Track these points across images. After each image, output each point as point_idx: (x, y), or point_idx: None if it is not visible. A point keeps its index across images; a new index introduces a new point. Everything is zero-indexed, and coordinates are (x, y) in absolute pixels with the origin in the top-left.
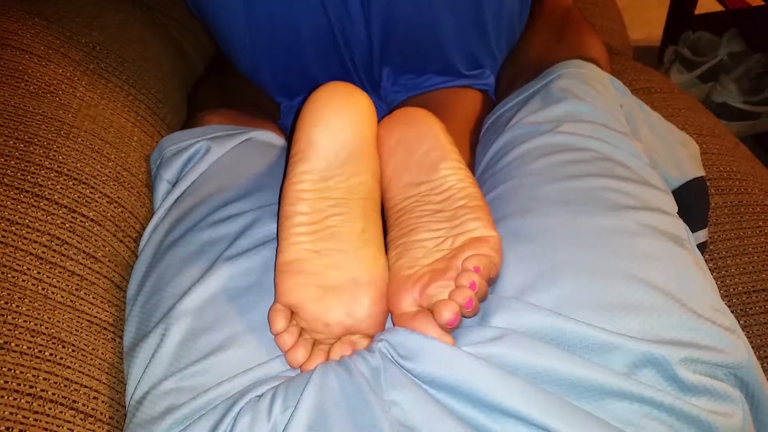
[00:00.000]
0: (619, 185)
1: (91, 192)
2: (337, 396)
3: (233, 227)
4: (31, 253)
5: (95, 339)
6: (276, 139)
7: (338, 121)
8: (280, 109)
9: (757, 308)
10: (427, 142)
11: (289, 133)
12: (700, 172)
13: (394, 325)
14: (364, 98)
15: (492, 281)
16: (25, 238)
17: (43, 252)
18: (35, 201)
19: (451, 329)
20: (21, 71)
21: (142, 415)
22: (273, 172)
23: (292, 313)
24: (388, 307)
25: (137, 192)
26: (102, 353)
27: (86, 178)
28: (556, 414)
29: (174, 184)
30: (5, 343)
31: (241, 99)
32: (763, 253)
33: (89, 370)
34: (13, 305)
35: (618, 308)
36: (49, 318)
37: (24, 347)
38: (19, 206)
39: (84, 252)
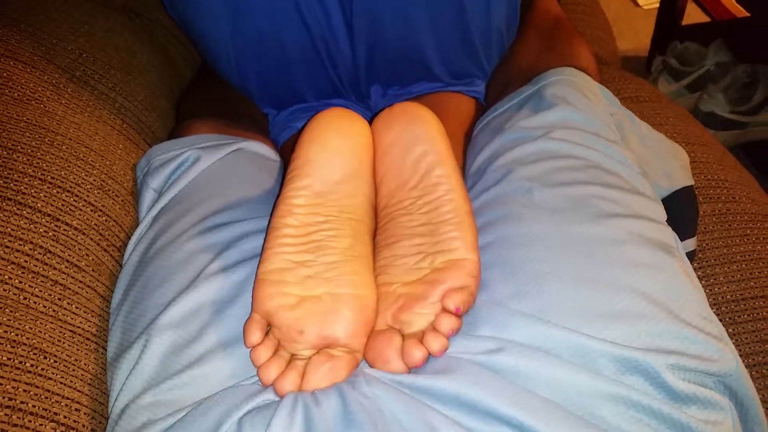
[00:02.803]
0: (609, 193)
1: (75, 200)
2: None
3: (221, 237)
4: (12, 262)
5: (78, 350)
6: (265, 150)
7: (336, 144)
8: (268, 120)
9: (745, 316)
10: (423, 144)
11: (290, 153)
12: (689, 182)
13: None
14: (363, 125)
15: (469, 309)
16: (7, 246)
17: (26, 261)
18: (18, 209)
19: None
20: (5, 77)
21: (120, 429)
22: (262, 183)
23: (269, 326)
24: (372, 317)
25: (122, 201)
26: (84, 364)
27: (70, 186)
28: (549, 420)
29: (161, 193)
30: None
31: (229, 108)
32: (751, 261)
33: (71, 381)
34: None
35: (605, 316)
36: (31, 328)
37: (4, 358)
38: (1, 214)
39: (67, 261)
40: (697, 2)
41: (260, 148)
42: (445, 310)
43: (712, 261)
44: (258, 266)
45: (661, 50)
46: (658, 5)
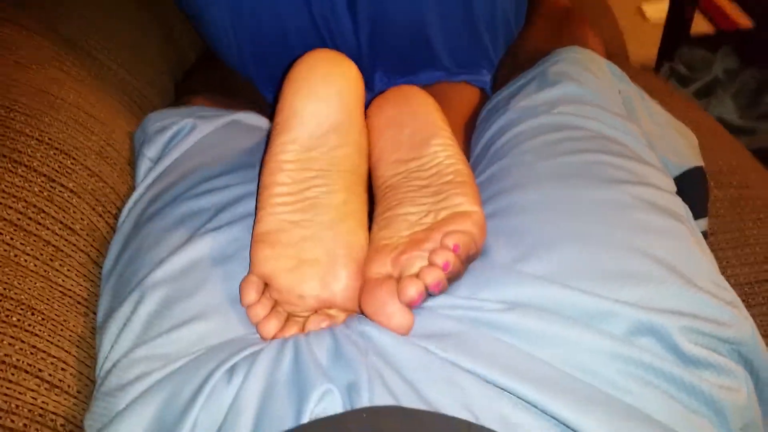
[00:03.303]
0: (615, 160)
1: (72, 163)
2: (287, 366)
3: (216, 199)
4: (4, 218)
5: (67, 311)
6: (263, 122)
7: (323, 90)
8: (265, 103)
9: (760, 299)
10: (418, 119)
11: (273, 103)
12: (699, 162)
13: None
14: (350, 66)
15: (471, 258)
16: (0, 202)
17: (18, 219)
18: (12, 167)
19: (413, 308)
20: (9, 43)
21: (110, 384)
22: (257, 151)
23: (266, 286)
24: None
25: (120, 169)
26: (73, 326)
27: (68, 149)
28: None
29: (156, 162)
30: None
31: (229, 89)
32: (765, 245)
33: (58, 340)
34: None
35: (615, 277)
36: (19, 284)
37: None
38: None
39: (61, 222)
40: (704, 13)
41: (256, 120)
42: (442, 246)
43: (725, 244)
44: (254, 226)
45: (669, 57)
46: (665, 18)
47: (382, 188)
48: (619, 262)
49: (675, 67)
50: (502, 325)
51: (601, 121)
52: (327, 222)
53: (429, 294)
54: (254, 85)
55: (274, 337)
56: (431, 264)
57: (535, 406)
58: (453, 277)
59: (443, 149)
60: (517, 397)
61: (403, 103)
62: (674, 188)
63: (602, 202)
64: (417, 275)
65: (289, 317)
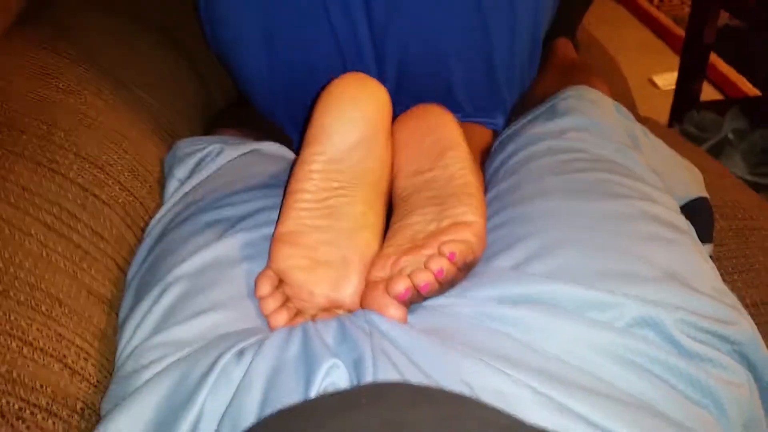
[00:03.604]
0: (620, 179)
1: (105, 176)
2: (295, 346)
3: (237, 211)
4: (39, 220)
5: (92, 307)
6: (287, 153)
7: (350, 108)
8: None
9: (767, 318)
10: (437, 133)
11: (304, 123)
12: (703, 193)
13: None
14: (378, 88)
15: (470, 266)
16: (36, 205)
17: (52, 221)
18: (50, 175)
19: (404, 303)
20: (53, 71)
21: (126, 368)
22: (281, 176)
23: (280, 282)
24: None
25: (149, 186)
26: (97, 322)
27: (102, 164)
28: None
29: (184, 182)
30: (3, 290)
31: (256, 125)
32: None
33: (82, 332)
34: (16, 260)
35: (615, 276)
36: (49, 278)
37: (21, 297)
38: (34, 176)
39: (91, 229)
40: (712, 82)
41: (284, 150)
42: (439, 253)
43: (730, 269)
44: (275, 227)
45: (679, 120)
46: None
47: (398, 199)
48: (620, 264)
49: (685, 128)
50: (503, 319)
51: (608, 147)
52: (345, 230)
53: (420, 295)
54: (280, 126)
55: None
56: (425, 268)
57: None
58: (448, 283)
59: (456, 161)
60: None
61: (425, 118)
62: (677, 207)
63: (605, 212)
64: (409, 275)
65: (299, 313)
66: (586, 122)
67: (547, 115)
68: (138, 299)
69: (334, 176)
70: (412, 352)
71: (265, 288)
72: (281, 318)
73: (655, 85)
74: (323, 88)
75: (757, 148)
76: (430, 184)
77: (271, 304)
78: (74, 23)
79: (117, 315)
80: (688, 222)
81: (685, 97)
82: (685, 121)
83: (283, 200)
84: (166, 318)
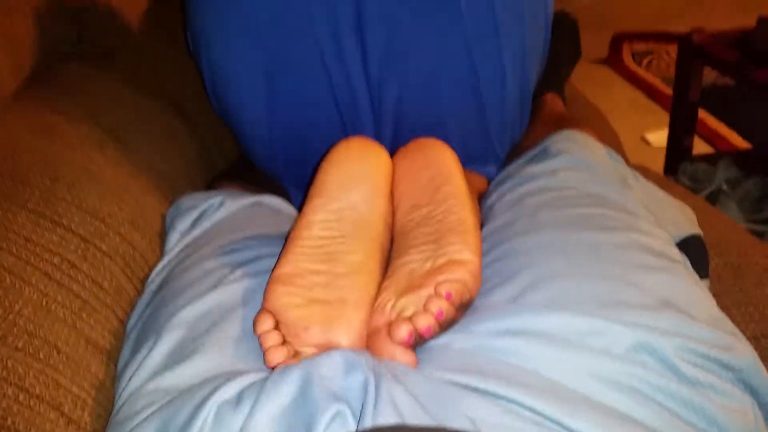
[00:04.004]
0: (613, 213)
1: (106, 228)
2: (295, 391)
3: (237, 257)
4: (40, 269)
5: (91, 357)
6: (286, 206)
7: (354, 167)
8: (291, 200)
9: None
10: (435, 167)
11: (309, 182)
12: (697, 231)
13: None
14: (380, 151)
15: (466, 306)
16: (38, 255)
17: (52, 271)
18: (52, 226)
19: (410, 348)
20: (58, 130)
21: (121, 415)
22: (281, 227)
23: (276, 324)
24: None
25: (150, 239)
26: (95, 371)
27: (103, 216)
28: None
29: (186, 233)
30: (1, 336)
31: (257, 181)
32: None
33: (80, 380)
34: (15, 307)
35: (610, 304)
36: (48, 326)
37: (19, 344)
38: (36, 228)
39: (91, 279)
40: (703, 137)
41: (284, 205)
42: (436, 294)
43: (728, 304)
44: (273, 270)
45: (672, 173)
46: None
47: (396, 234)
48: (615, 292)
49: (679, 179)
50: (504, 351)
51: (599, 185)
52: (342, 274)
53: (423, 338)
54: (280, 182)
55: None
56: (425, 310)
57: (539, 414)
58: (447, 324)
59: (452, 197)
60: (520, 406)
61: (423, 152)
62: (671, 240)
63: (598, 243)
64: (410, 318)
65: (296, 354)
66: (577, 162)
67: (539, 157)
68: (137, 347)
69: (336, 226)
70: (417, 393)
71: (266, 324)
72: (280, 353)
73: (647, 142)
74: (329, 148)
75: (752, 197)
76: (427, 219)
77: (270, 339)
78: (80, 86)
79: (115, 366)
80: (682, 254)
81: (677, 153)
82: (678, 173)
83: (282, 247)
84: (161, 364)
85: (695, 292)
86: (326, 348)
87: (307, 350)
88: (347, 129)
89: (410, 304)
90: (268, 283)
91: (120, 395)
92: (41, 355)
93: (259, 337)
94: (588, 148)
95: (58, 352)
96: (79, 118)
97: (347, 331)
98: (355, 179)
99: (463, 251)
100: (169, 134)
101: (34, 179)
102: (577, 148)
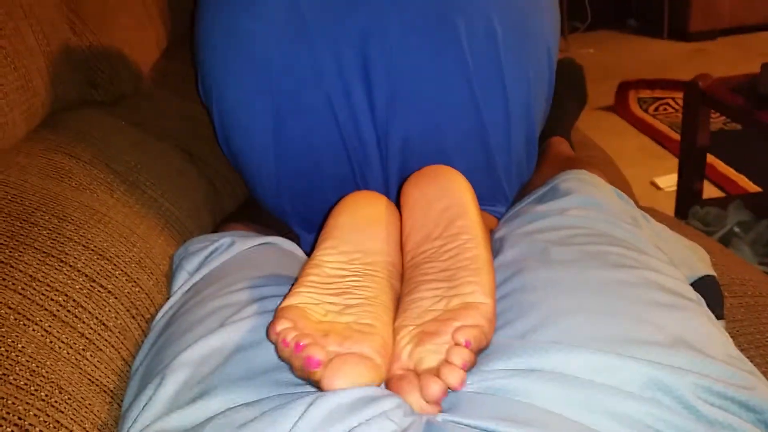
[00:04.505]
0: (625, 251)
1: (112, 268)
2: None
3: (244, 296)
4: (45, 308)
5: (93, 397)
6: (295, 248)
7: (363, 213)
8: (300, 242)
9: None
10: (448, 198)
11: (318, 225)
12: (710, 272)
13: None
14: (387, 202)
15: (482, 350)
16: (43, 294)
17: (57, 310)
18: (59, 266)
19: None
20: (67, 171)
21: None
22: (290, 269)
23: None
24: (391, 351)
25: (156, 279)
26: (98, 411)
27: (110, 256)
28: None
29: (194, 273)
30: (3, 375)
31: (265, 223)
32: None
33: (82, 420)
34: (19, 346)
35: (623, 341)
36: (51, 365)
37: (21, 383)
38: (43, 267)
39: (96, 318)
40: (713, 182)
41: (291, 246)
42: (456, 344)
43: (746, 345)
44: (281, 302)
45: (683, 216)
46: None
47: (408, 266)
48: (626, 329)
49: (690, 223)
50: (516, 392)
51: (610, 224)
52: (355, 305)
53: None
54: (288, 225)
55: (304, 348)
56: (449, 362)
57: None
58: (467, 370)
59: (465, 232)
60: None
61: (436, 180)
62: (685, 279)
63: (609, 280)
64: (437, 373)
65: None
66: (587, 201)
67: (548, 196)
68: (141, 388)
69: (346, 267)
70: None
71: (283, 325)
72: (307, 339)
73: (657, 186)
74: (336, 191)
75: (765, 239)
76: (438, 253)
77: (291, 332)
78: (91, 130)
79: (119, 406)
80: (697, 294)
81: (687, 197)
82: (689, 216)
83: (292, 285)
84: (167, 406)
85: (711, 331)
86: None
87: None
88: (355, 172)
89: (428, 352)
90: (275, 314)
91: None
92: (43, 394)
93: (277, 336)
94: (597, 187)
95: (61, 392)
96: (89, 161)
97: (366, 343)
98: (366, 225)
99: (477, 293)
100: (179, 178)
101: (41, 219)
102: (586, 188)
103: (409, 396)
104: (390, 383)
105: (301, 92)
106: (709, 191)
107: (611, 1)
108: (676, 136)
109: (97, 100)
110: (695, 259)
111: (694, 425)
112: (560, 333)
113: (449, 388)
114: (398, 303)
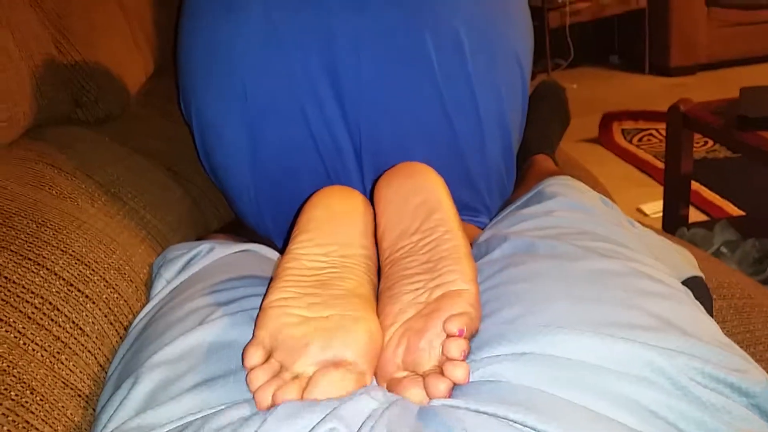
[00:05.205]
0: (611, 246)
1: (91, 273)
2: None
3: (221, 297)
4: (19, 310)
5: (67, 400)
6: (275, 255)
7: (336, 205)
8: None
9: None
10: (423, 193)
11: (291, 224)
12: (698, 273)
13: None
14: (360, 195)
15: (473, 336)
16: (18, 296)
17: (32, 312)
18: (35, 268)
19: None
20: (48, 180)
21: None
22: (269, 272)
23: (272, 352)
24: (379, 343)
25: (135, 286)
26: (71, 414)
27: (89, 261)
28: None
29: (172, 280)
30: None
31: (246, 234)
32: None
33: (53, 422)
34: None
35: (613, 325)
36: (23, 366)
37: None
38: (19, 269)
39: (73, 323)
40: (698, 208)
41: (271, 252)
42: (449, 335)
43: (736, 344)
44: (262, 301)
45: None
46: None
47: (386, 262)
48: (617, 315)
49: None
50: (507, 375)
51: (596, 225)
52: (338, 296)
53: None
54: (272, 240)
55: (272, 396)
56: (449, 358)
57: None
58: (465, 359)
59: (442, 224)
60: (532, 429)
61: (410, 176)
62: (673, 274)
63: (596, 270)
64: (441, 372)
65: (296, 377)
66: (573, 204)
67: (534, 199)
68: (116, 388)
69: (323, 260)
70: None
71: (255, 357)
72: (269, 391)
73: (643, 213)
74: (311, 193)
75: (751, 258)
76: (417, 247)
77: (260, 376)
78: (75, 143)
79: (93, 411)
80: (685, 288)
81: (673, 223)
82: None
83: (270, 280)
84: (143, 403)
85: (700, 317)
86: (329, 365)
87: (308, 369)
88: (330, 176)
89: (421, 353)
90: (259, 312)
91: None
92: (13, 394)
93: (247, 373)
94: (582, 192)
95: (32, 393)
96: (71, 171)
97: (351, 344)
98: (341, 218)
99: (458, 281)
100: (162, 192)
101: (19, 223)
102: (572, 192)
103: (408, 391)
104: (389, 388)
105: (276, 101)
106: (695, 217)
107: (593, 38)
108: (661, 165)
109: (80, 119)
110: (683, 261)
111: (687, 406)
112: (548, 318)
113: (455, 383)
114: (378, 299)
